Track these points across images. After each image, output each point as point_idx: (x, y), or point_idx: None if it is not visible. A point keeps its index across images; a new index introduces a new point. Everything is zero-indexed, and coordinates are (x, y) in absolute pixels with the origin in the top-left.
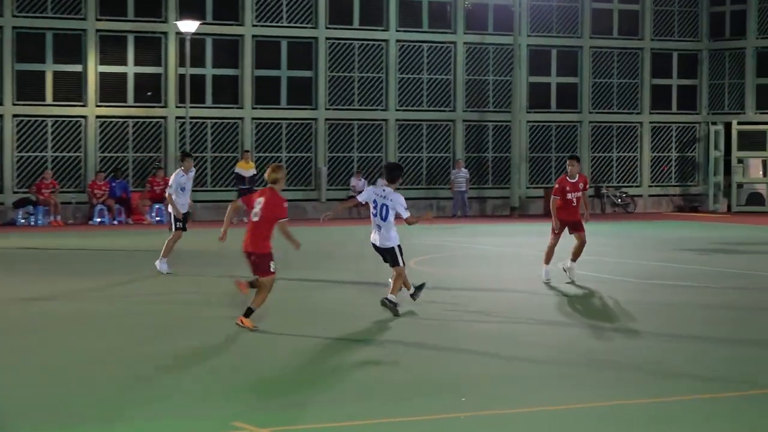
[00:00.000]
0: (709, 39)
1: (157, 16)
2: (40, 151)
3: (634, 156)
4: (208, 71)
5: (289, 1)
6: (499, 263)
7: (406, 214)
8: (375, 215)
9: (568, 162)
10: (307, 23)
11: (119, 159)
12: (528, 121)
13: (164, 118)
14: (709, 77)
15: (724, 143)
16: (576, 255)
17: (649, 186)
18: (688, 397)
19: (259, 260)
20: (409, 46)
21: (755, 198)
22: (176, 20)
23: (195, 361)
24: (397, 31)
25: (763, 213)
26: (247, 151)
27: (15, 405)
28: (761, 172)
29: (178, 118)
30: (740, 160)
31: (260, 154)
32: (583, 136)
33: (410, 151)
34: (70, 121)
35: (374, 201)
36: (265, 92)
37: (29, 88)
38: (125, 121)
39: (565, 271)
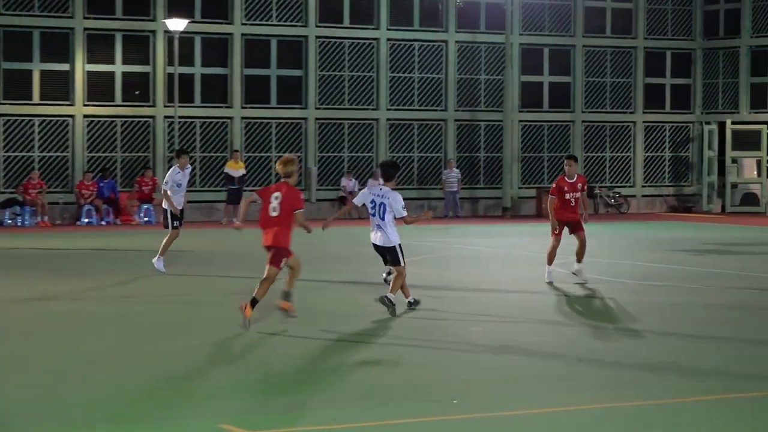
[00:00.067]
0: (703, 38)
1: (145, 14)
2: (27, 151)
3: (628, 156)
4: (197, 70)
5: None
6: (492, 264)
7: (403, 213)
8: (374, 215)
9: (565, 162)
10: (297, 21)
11: (107, 159)
12: (520, 121)
13: (152, 117)
14: (702, 76)
15: (718, 143)
16: (580, 256)
17: (643, 186)
18: (688, 399)
19: (276, 253)
20: (400, 44)
21: (749, 198)
22: (165, 18)
23: (192, 362)
24: (387, 29)
25: (758, 213)
26: (237, 151)
27: (15, 405)
28: (755, 172)
29: (166, 117)
30: (734, 160)
31: (249, 154)
32: (576, 136)
33: (401, 151)
34: (58, 121)
35: (372, 201)
36: (255, 91)
37: (16, 87)
38: (113, 121)
39: (575, 275)
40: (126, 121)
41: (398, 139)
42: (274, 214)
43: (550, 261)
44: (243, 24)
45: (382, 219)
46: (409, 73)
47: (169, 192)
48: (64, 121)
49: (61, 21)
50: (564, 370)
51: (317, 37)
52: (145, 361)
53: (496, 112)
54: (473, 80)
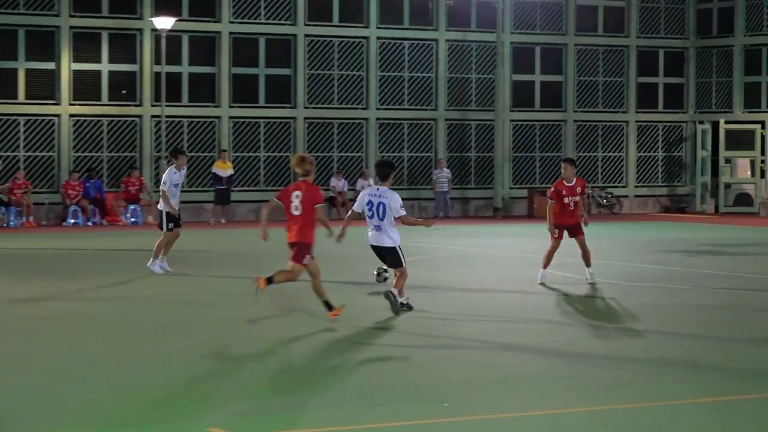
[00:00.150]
0: (696, 36)
1: (132, 12)
2: (12, 151)
3: (620, 156)
4: (185, 69)
5: None
6: (483, 265)
7: (402, 213)
8: (371, 216)
9: (562, 165)
10: (285, 20)
11: (93, 159)
12: (511, 120)
13: (139, 116)
14: (696, 75)
15: (711, 143)
16: (587, 260)
17: (636, 186)
18: (685, 401)
19: (299, 248)
20: (389, 43)
21: (743, 199)
22: (152, 17)
23: (191, 362)
24: (377, 28)
25: (751, 214)
26: (225, 151)
27: (14, 405)
28: (749, 173)
29: (153, 117)
30: (728, 160)
31: (237, 154)
32: (568, 136)
33: (391, 151)
34: (43, 120)
35: (369, 202)
36: (243, 90)
37: (1, 85)
38: (99, 120)
39: (590, 283)
40: (112, 121)
41: (388, 138)
42: (297, 212)
43: (546, 263)
44: (231, 22)
45: (382, 219)
46: (399, 72)
47: (168, 193)
48: (49, 120)
49: (46, 19)
50: (561, 371)
51: (306, 35)
52: (144, 362)
53: (487, 112)
54: (464, 79)
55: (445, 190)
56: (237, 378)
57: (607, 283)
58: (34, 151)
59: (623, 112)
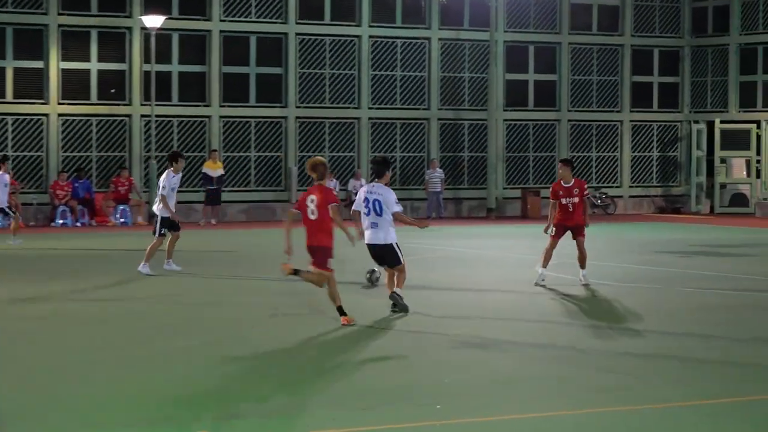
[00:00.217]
0: (691, 35)
1: (121, 10)
2: (0, 150)
3: (614, 156)
4: (174, 68)
5: None
6: (477, 266)
7: (397, 208)
8: (368, 213)
9: (559, 166)
10: (276, 18)
11: (82, 158)
12: (505, 120)
13: (129, 116)
14: (691, 74)
15: (706, 142)
16: (582, 261)
17: (630, 186)
18: (676, 404)
19: (320, 253)
20: (382, 42)
21: (738, 199)
22: (141, 15)
23: (190, 362)
24: (369, 26)
25: (747, 214)
26: (215, 151)
27: (14, 405)
28: (745, 173)
29: (143, 116)
30: (723, 160)
31: (228, 154)
32: (562, 135)
33: (383, 151)
34: (31, 120)
35: (365, 200)
36: (233, 90)
37: None
38: (88, 120)
39: (584, 285)
40: (101, 120)
41: (380, 138)
42: (313, 217)
43: (545, 262)
44: (221, 21)
45: (379, 215)
46: (392, 71)
47: (167, 197)
48: (38, 119)
49: (35, 17)
50: (554, 373)
51: (297, 34)
52: (144, 362)
53: (480, 111)
54: (457, 78)
55: (438, 190)
56: (233, 379)
57: (601, 284)
58: (22, 151)
59: (617, 111)
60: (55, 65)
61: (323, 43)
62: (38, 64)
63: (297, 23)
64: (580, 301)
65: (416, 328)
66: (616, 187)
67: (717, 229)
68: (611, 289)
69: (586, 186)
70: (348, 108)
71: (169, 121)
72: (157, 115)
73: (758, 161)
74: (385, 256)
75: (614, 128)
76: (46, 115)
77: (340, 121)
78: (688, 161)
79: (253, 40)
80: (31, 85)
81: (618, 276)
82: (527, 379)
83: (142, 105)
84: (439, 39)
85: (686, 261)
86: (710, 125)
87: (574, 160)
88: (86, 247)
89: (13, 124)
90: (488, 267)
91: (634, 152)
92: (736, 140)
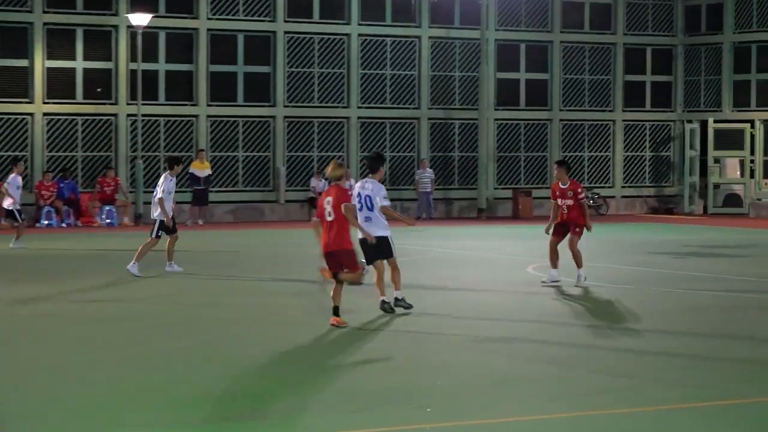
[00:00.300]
0: (685, 34)
1: (107, 8)
2: None
3: (607, 155)
4: (161, 66)
5: None
6: (468, 267)
7: (385, 203)
8: (361, 209)
9: (554, 167)
10: (264, 16)
11: (68, 158)
12: (496, 119)
13: (115, 115)
14: (684, 73)
15: (699, 142)
16: (575, 261)
17: (622, 187)
18: (669, 407)
19: (346, 256)
20: (371, 40)
21: (732, 199)
22: (127, 13)
23: (189, 362)
24: (359, 24)
25: (741, 215)
26: (202, 150)
27: (14, 405)
28: (738, 173)
29: (129, 115)
30: (717, 160)
31: (215, 154)
32: (554, 135)
33: (373, 151)
34: (16, 119)
35: (358, 195)
36: (221, 89)
37: None
38: (74, 119)
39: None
40: (87, 120)
41: (370, 138)
42: (330, 218)
43: (551, 262)
44: (209, 19)
45: (371, 210)
46: (381, 69)
47: (165, 201)
48: (22, 119)
49: (19, 15)
50: (547, 376)
51: (286, 32)
52: (144, 362)
53: (470, 111)
54: (447, 77)
55: (428, 190)
56: (230, 381)
57: (594, 285)
58: (6, 151)
59: (610, 110)
60: (40, 64)
61: (312, 42)
62: (23, 63)
63: (285, 21)
64: (574, 302)
65: (408, 329)
66: (609, 187)
67: (710, 229)
68: (605, 290)
69: (581, 189)
70: (337, 107)
71: (156, 120)
72: (143, 115)
73: (752, 161)
74: (380, 247)
75: (606, 128)
76: (30, 114)
77: (329, 121)
78: (681, 161)
79: (240, 38)
80: (16, 84)
81: (611, 277)
82: (521, 381)
83: (128, 104)
84: (430, 37)
85: (680, 262)
86: (704, 125)
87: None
88: (82, 247)
89: None
90: (480, 268)
91: (626, 152)
92: (730, 140)
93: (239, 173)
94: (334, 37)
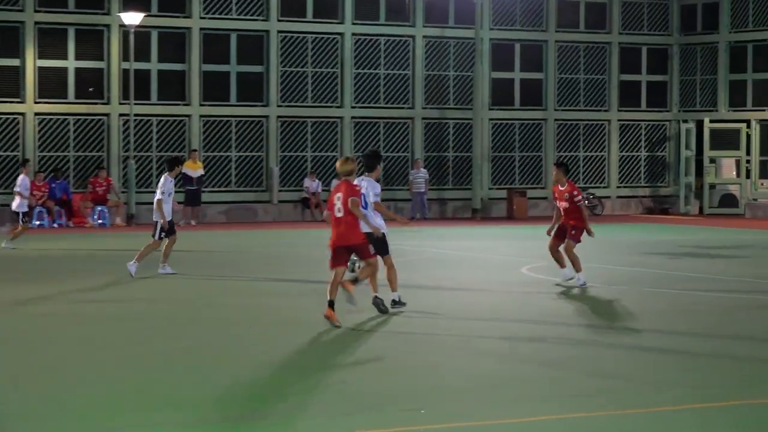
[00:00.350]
0: (680, 33)
1: (99, 7)
2: None
3: (602, 155)
4: (154, 66)
5: None
6: (462, 268)
7: (375, 199)
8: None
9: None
10: (257, 16)
11: (59, 158)
12: (490, 119)
13: (107, 115)
14: (680, 73)
15: (695, 142)
16: (571, 263)
17: (618, 187)
18: (663, 408)
19: (359, 248)
20: (365, 39)
21: (728, 199)
22: (119, 12)
23: (185, 363)
24: (352, 24)
25: (737, 215)
26: (195, 151)
27: (14, 406)
28: (734, 173)
29: (121, 115)
30: (712, 160)
31: (208, 154)
32: (548, 135)
33: (367, 151)
34: (7, 119)
35: None
36: (214, 88)
37: None
38: (66, 119)
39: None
40: (79, 119)
41: (363, 138)
42: (339, 214)
43: (558, 263)
44: (201, 18)
45: (365, 207)
46: (375, 69)
47: (163, 202)
48: (14, 119)
49: (10, 14)
50: (541, 377)
51: (279, 31)
52: (142, 362)
53: (465, 110)
54: (441, 77)
55: (422, 190)
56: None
57: (589, 286)
58: None
59: (605, 110)
60: (32, 63)
61: (305, 41)
62: (14, 62)
63: (279, 20)
64: (570, 303)
65: (402, 330)
66: (604, 187)
67: (706, 230)
68: (600, 291)
69: (577, 192)
70: (331, 107)
71: (149, 120)
72: (135, 114)
73: (748, 161)
74: (375, 244)
75: (602, 128)
76: (22, 114)
77: (322, 121)
78: (677, 161)
79: (233, 37)
80: (7, 84)
81: (606, 278)
82: (515, 382)
83: (120, 104)
84: (424, 37)
85: (675, 263)
86: (699, 124)
87: (560, 160)
88: (78, 248)
89: None
90: (474, 268)
91: (621, 152)
92: (726, 140)
93: (232, 173)
94: (328, 36)
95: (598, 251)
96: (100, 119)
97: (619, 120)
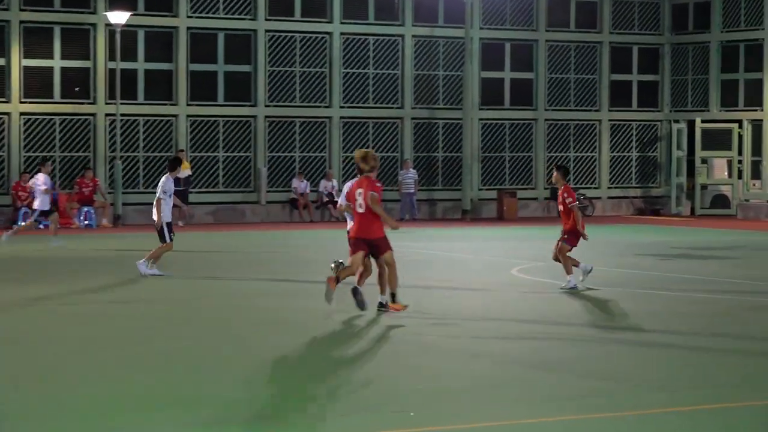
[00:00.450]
0: (672, 32)
1: (85, 6)
2: None
3: (593, 156)
4: (140, 65)
5: None
6: (452, 269)
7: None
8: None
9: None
10: (245, 14)
11: (45, 159)
12: (480, 119)
13: (93, 115)
14: (671, 73)
15: (687, 142)
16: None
17: (609, 187)
18: (657, 410)
19: (378, 243)
20: (354, 39)
21: (720, 200)
22: (106, 11)
23: (185, 363)
24: (341, 23)
25: (728, 216)
26: (182, 151)
27: (14, 406)
28: (726, 173)
29: (108, 115)
30: (704, 161)
31: (195, 154)
32: (539, 135)
33: (355, 151)
34: None
35: (347, 194)
36: (201, 88)
37: None
38: (51, 119)
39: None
40: (65, 119)
41: (352, 138)
42: (361, 210)
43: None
44: (188, 17)
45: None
46: (364, 68)
47: (162, 202)
48: None
49: None
50: (534, 379)
51: (267, 30)
52: (143, 362)
53: (455, 110)
54: (431, 76)
55: (412, 191)
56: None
57: (581, 288)
58: None
59: (596, 110)
60: (17, 62)
61: (293, 40)
62: None
63: (266, 20)
64: (562, 305)
65: (391, 331)
66: (595, 188)
67: (698, 231)
68: (592, 293)
69: (567, 194)
70: (319, 107)
71: (135, 120)
72: (122, 114)
73: (740, 161)
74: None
75: (592, 128)
76: (7, 113)
77: (310, 121)
78: (668, 161)
79: (221, 36)
80: None
81: (599, 280)
82: (506, 384)
83: (106, 104)
84: (413, 36)
85: (667, 264)
86: (691, 125)
87: (550, 160)
88: (73, 248)
89: None
90: (464, 270)
91: (612, 152)
92: (718, 140)
93: (219, 174)
94: (316, 35)
95: (589, 253)
96: (86, 119)
97: (609, 120)
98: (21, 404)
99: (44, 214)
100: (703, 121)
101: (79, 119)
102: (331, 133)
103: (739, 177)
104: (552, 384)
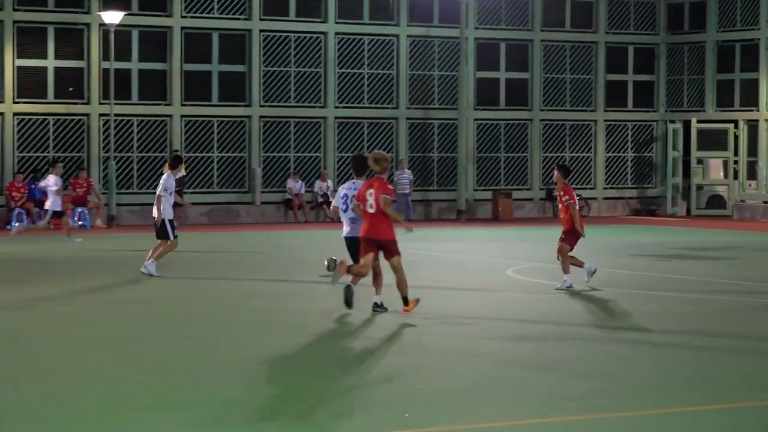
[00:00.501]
0: (667, 32)
1: (79, 6)
2: None
3: (588, 156)
4: (134, 65)
5: None
6: (448, 269)
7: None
8: (345, 210)
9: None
10: (240, 14)
11: (39, 159)
12: (475, 119)
13: (87, 115)
14: (667, 73)
15: (682, 143)
16: (563, 267)
17: (604, 188)
18: (655, 411)
19: (387, 245)
20: (348, 39)
21: (716, 201)
22: (100, 11)
23: (185, 363)
24: (336, 23)
25: (724, 216)
26: (176, 151)
27: (13, 406)
28: (722, 174)
29: (101, 115)
30: (700, 161)
31: (190, 154)
32: (534, 135)
33: (350, 151)
34: None
35: (344, 195)
36: (195, 88)
37: None
38: (45, 119)
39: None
40: (59, 120)
41: (347, 138)
42: (371, 210)
43: (575, 264)
44: (183, 17)
45: (347, 209)
46: (359, 69)
47: (163, 199)
48: None
49: None
50: (531, 380)
51: (261, 30)
52: (143, 363)
53: (450, 110)
54: (426, 76)
55: (407, 192)
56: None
57: (577, 288)
58: None
59: (591, 110)
60: (11, 62)
61: (288, 40)
62: None
63: (261, 19)
64: (558, 306)
65: (387, 332)
66: (590, 188)
67: (694, 231)
68: (588, 294)
69: (563, 192)
70: (314, 107)
71: (129, 120)
72: (116, 114)
73: (736, 162)
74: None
75: (588, 128)
76: (1, 114)
77: (305, 121)
78: (664, 162)
79: (215, 36)
80: None
81: (595, 280)
82: (503, 385)
83: (100, 104)
84: (408, 36)
85: (663, 265)
86: (686, 125)
87: (546, 161)
88: (74, 249)
89: None
90: (459, 270)
91: (608, 153)
92: (713, 140)
93: (214, 174)
94: (311, 35)
95: (586, 253)
96: (80, 119)
97: (605, 120)
98: (21, 404)
99: (56, 215)
100: (698, 122)
101: (73, 119)
102: (325, 134)
103: (735, 177)
104: (551, 384)
